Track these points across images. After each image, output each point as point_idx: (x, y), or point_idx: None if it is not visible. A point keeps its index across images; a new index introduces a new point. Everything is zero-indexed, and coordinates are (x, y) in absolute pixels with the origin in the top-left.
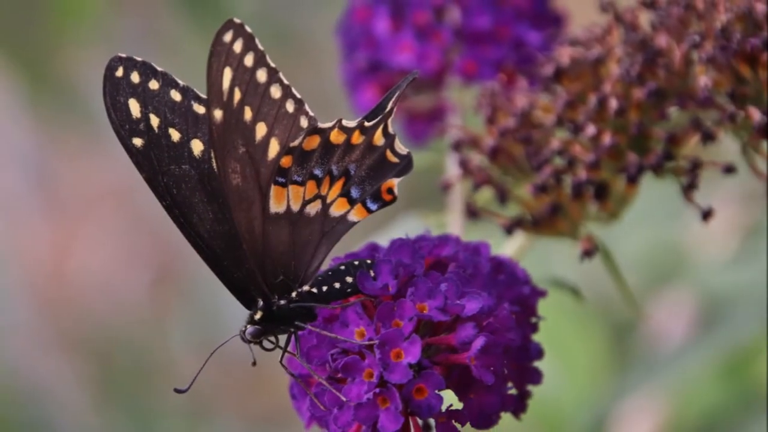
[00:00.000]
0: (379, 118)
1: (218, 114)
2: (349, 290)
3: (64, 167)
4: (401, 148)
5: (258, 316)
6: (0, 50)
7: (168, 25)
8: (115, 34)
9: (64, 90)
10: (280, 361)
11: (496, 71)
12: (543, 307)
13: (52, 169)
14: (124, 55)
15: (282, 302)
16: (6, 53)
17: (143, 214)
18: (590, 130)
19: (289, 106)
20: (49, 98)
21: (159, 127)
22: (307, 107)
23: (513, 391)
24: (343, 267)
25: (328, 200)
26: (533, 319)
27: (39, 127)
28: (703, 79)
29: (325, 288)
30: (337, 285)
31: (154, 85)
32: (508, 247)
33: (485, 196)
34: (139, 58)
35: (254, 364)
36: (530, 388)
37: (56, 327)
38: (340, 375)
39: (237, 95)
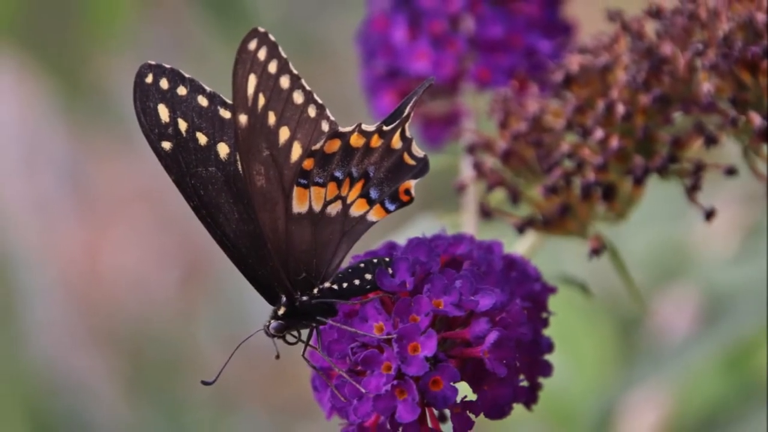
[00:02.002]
0: (397, 122)
1: (243, 118)
2: (368, 287)
3: (96, 170)
4: (418, 151)
5: (281, 311)
6: (35, 58)
7: (195, 34)
8: (145, 43)
9: (97, 96)
10: (303, 355)
11: (508, 78)
12: (553, 302)
13: (86, 171)
14: (153, 63)
15: (304, 298)
16: (41, 61)
17: (172, 215)
18: (598, 134)
19: (311, 111)
20: (83, 104)
21: (187, 131)
22: (328, 112)
23: (524, 383)
24: (362, 265)
25: (348, 201)
26: (544, 315)
27: (73, 132)
28: (706, 86)
29: (345, 285)
30: (356, 282)
31: (182, 91)
32: (520, 246)
33: (498, 196)
34: (167, 65)
35: (278, 357)
36: (541, 380)
37: (89, 323)
38: (359, 368)
39: (261, 101)
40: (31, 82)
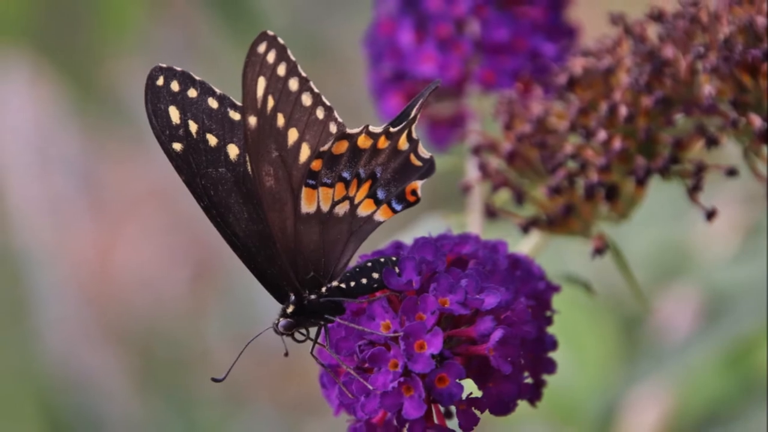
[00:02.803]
0: (403, 124)
1: (253, 120)
2: (375, 285)
3: (108, 170)
4: (424, 152)
5: (290, 309)
6: (48, 61)
7: (206, 37)
8: (156, 45)
9: (109, 98)
10: (311, 352)
11: (513, 80)
12: (557, 301)
13: (98, 172)
14: (164, 65)
15: (312, 297)
16: (54, 64)
17: (182, 215)
18: (601, 135)
19: (319, 113)
20: (95, 106)
21: (197, 132)
22: (335, 114)
23: (529, 380)
24: (369, 264)
25: (356, 201)
26: (548, 313)
27: (85, 133)
28: (707, 88)
29: (353, 283)
30: (364, 281)
31: (192, 93)
32: (525, 245)
33: (503, 197)
34: (178, 68)
35: (286, 354)
36: (545, 377)
37: (101, 320)
38: (367, 365)
39: (270, 103)
40: (44, 84)
